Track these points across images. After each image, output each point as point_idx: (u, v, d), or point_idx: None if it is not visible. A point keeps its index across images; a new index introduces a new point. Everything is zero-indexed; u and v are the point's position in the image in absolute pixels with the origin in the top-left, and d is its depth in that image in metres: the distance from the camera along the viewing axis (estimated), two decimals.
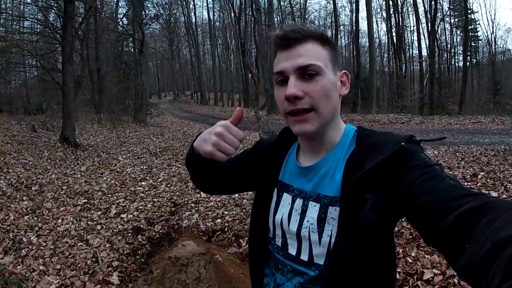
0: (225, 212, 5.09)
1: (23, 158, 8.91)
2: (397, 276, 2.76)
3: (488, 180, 4.95)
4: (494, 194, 4.29)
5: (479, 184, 4.84)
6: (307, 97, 0.82)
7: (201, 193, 5.95)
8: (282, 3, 32.40)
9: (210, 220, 4.92)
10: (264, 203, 1.01)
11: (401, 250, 3.25)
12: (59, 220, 5.29)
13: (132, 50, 23.17)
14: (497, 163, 5.83)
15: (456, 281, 2.63)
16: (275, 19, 28.82)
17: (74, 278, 3.81)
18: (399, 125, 11.60)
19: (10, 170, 7.70)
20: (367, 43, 23.43)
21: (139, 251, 4.33)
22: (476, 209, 0.57)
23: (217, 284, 3.20)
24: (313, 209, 0.87)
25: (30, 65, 17.48)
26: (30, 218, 5.34)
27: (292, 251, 0.91)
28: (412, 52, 32.74)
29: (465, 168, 5.76)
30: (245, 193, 5.68)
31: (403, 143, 0.76)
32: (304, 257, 0.88)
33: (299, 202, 0.91)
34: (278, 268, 0.95)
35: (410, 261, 3.08)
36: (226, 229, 4.55)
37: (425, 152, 0.79)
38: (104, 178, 7.63)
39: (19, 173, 7.56)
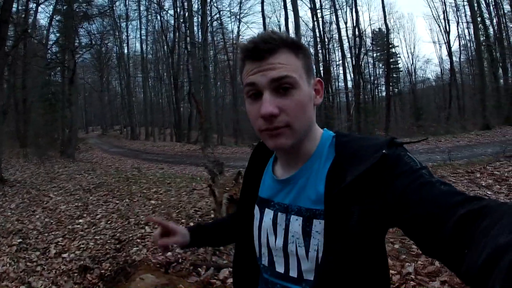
0: (174, 245, 5.09)
1: None
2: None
3: None
4: None
5: None
6: (283, 114, 0.79)
7: (146, 227, 5.90)
8: (215, 38, 33.39)
9: (160, 253, 4.90)
10: (247, 221, 0.98)
11: None
12: None
13: (60, 79, 22.15)
14: None
15: (413, 276, 2.96)
16: (210, 52, 29.58)
17: None
18: None
19: None
20: None
21: None
22: (473, 214, 0.57)
23: None
24: (296, 223, 0.84)
25: None
26: None
27: (280, 268, 0.88)
28: (339, 84, 35.88)
29: None
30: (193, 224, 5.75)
31: (384, 151, 0.73)
32: (293, 273, 0.85)
33: (281, 216, 0.88)
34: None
35: None
36: (180, 260, 4.50)
37: (408, 153, 0.76)
38: (37, 216, 7.19)
39: None
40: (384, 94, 32.06)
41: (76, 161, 16.24)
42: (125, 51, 37.91)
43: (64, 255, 5.25)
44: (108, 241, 5.67)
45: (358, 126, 24.79)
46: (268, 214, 0.92)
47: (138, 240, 5.49)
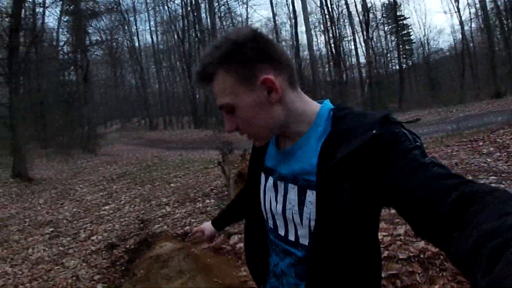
0: (192, 220, 5.33)
1: None
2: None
3: None
4: None
5: None
6: (242, 129, 0.87)
7: (167, 207, 6.22)
8: (224, 23, 33.16)
9: (179, 228, 5.16)
10: (255, 187, 1.05)
11: None
12: (30, 250, 5.35)
13: (75, 79, 22.62)
14: (435, 147, 6.91)
15: (402, 237, 3.11)
16: (219, 37, 29.18)
17: None
18: None
19: None
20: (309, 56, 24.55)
21: (117, 262, 4.53)
22: (464, 199, 0.58)
23: (198, 274, 3.44)
24: (292, 191, 0.89)
25: None
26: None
27: (281, 231, 0.95)
28: (351, 60, 34.79)
29: None
30: (209, 201, 6.05)
31: (374, 131, 0.73)
32: (291, 237, 0.91)
33: (281, 184, 0.93)
34: (273, 249, 1.01)
35: None
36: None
37: (403, 130, 0.76)
38: (66, 207, 7.64)
39: None
40: (397, 66, 31.32)
41: (98, 155, 16.80)
42: (136, 44, 38.15)
43: (93, 238, 5.63)
44: (132, 222, 6.01)
45: (372, 101, 24.42)
46: (270, 181, 0.98)
47: (160, 219, 5.79)
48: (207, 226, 1.44)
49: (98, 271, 4.43)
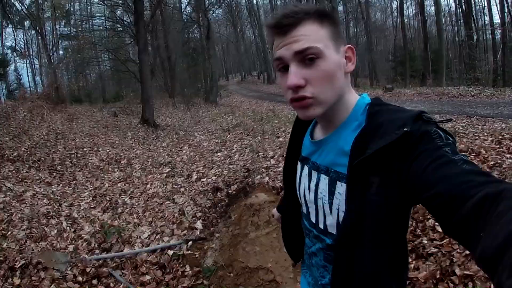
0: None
1: (109, 138, 9.98)
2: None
3: None
4: None
5: None
6: (309, 86, 0.81)
7: (271, 160, 6.22)
8: None
9: (278, 181, 5.14)
10: (292, 175, 1.08)
11: None
12: (148, 185, 5.92)
13: (198, 36, 23.99)
14: None
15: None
16: None
17: (163, 227, 4.34)
18: (469, 98, 10.78)
19: (100, 149, 8.69)
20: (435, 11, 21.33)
21: (218, 204, 4.78)
22: (491, 197, 0.56)
23: None
24: (324, 182, 0.91)
25: (108, 58, 19.10)
26: (123, 185, 6.06)
27: (313, 218, 0.98)
28: (484, 19, 29.20)
29: None
30: None
31: (406, 129, 0.72)
32: (321, 225, 0.94)
33: (314, 174, 0.95)
34: (306, 234, 1.05)
35: None
36: None
37: (435, 128, 0.74)
38: (184, 151, 8.26)
39: (108, 150, 8.52)
40: None
41: (218, 106, 17.79)
42: (254, 1, 38.50)
43: (203, 180, 5.97)
44: (239, 170, 6.17)
45: (503, 70, 20.27)
46: (305, 170, 1.00)
47: (263, 170, 5.81)
48: (275, 211, 1.50)
49: (201, 210, 4.68)
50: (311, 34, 0.80)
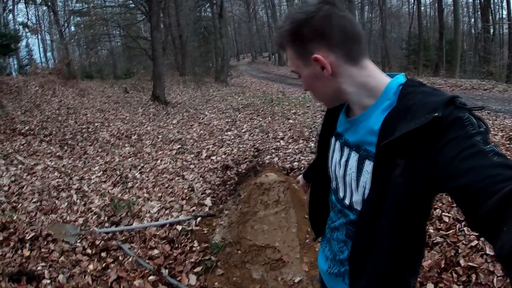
0: (302, 158, 5.21)
1: (120, 114, 9.99)
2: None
3: None
4: None
5: None
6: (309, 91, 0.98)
7: (281, 141, 6.18)
8: None
9: (288, 162, 5.11)
10: (324, 149, 1.12)
11: None
12: (158, 161, 5.92)
13: (211, 15, 23.70)
14: None
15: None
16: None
17: (173, 202, 4.36)
18: (481, 92, 10.49)
19: (111, 124, 8.72)
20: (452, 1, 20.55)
21: (228, 182, 4.77)
22: None
23: (292, 206, 3.61)
24: (353, 159, 0.93)
25: (120, 35, 19.03)
26: (133, 160, 6.07)
27: (340, 194, 1.01)
28: (502, 13, 28.09)
29: None
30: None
31: (436, 114, 0.71)
32: (347, 201, 0.98)
33: (346, 150, 0.98)
34: (332, 207, 1.10)
35: None
36: (302, 168, 4.72)
37: (468, 114, 0.72)
38: (194, 129, 8.24)
39: (119, 126, 8.54)
40: None
41: (228, 86, 17.68)
42: None
43: (212, 158, 5.96)
44: (248, 149, 6.15)
45: None
46: (338, 145, 1.03)
47: (273, 150, 5.79)
48: (300, 178, 1.61)
49: (210, 187, 4.67)
50: (290, 58, 0.93)
